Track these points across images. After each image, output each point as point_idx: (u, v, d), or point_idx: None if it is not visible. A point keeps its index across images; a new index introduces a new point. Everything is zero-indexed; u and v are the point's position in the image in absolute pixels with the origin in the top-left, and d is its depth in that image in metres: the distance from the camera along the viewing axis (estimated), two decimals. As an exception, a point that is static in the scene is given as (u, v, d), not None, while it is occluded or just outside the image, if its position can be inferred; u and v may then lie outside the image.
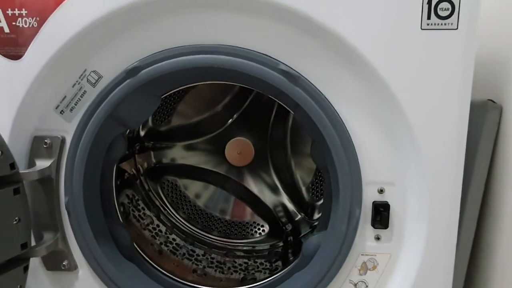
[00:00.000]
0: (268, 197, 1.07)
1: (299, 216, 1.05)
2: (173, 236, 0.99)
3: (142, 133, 1.02)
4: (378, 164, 0.64)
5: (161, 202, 1.05)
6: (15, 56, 0.63)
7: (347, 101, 0.63)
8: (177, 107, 1.01)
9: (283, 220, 1.07)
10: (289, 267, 0.79)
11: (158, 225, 0.98)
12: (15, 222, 0.61)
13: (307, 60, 0.62)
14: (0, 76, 0.64)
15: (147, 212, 0.98)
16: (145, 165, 1.05)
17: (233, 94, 1.02)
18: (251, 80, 0.65)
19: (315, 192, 1.04)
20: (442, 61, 0.59)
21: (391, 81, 0.59)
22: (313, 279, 0.68)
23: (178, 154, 1.05)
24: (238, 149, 1.04)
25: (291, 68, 0.63)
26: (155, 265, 0.82)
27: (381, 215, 0.65)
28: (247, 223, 1.07)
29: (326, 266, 0.67)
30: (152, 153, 1.06)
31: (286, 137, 1.03)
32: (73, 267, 0.71)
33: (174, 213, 1.05)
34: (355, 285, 0.68)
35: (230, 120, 1.03)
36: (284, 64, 0.62)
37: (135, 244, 0.81)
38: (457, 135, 0.61)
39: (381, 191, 0.65)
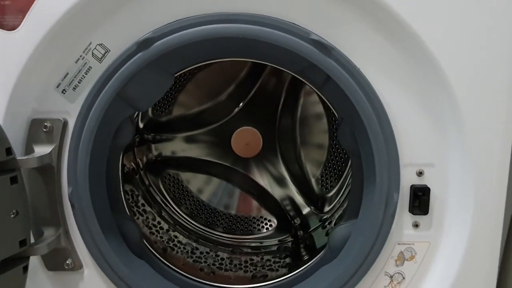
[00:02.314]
0: (275, 190, 1.02)
1: (308, 210, 1.01)
2: (176, 233, 0.93)
3: (141, 124, 0.96)
4: (417, 143, 0.59)
5: (163, 198, 1.00)
6: (10, 26, 0.56)
7: (383, 75, 0.58)
8: (178, 96, 0.96)
9: (291, 214, 1.02)
10: (313, 261, 0.74)
11: (159, 222, 0.93)
12: (12, 216, 0.54)
13: (340, 29, 0.57)
14: (-7, 50, 0.56)
15: (148, 209, 0.93)
16: (145, 158, 0.99)
17: (237, 83, 0.97)
18: (275, 54, 0.59)
19: (324, 184, 1.00)
20: (492, 30, 0.54)
21: (436, 52, 0.55)
22: (344, 272, 0.63)
23: (180, 146, 1.00)
24: (245, 139, 0.98)
25: (323, 38, 0.57)
26: (165, 262, 0.76)
27: (420, 200, 0.60)
28: (253, 217, 1.03)
29: (360, 257, 0.62)
30: (152, 145, 1.00)
31: (295, 127, 0.98)
32: (77, 266, 0.64)
33: (177, 209, 1.00)
34: (391, 277, 0.63)
35: (236, 109, 0.98)
36: (315, 33, 0.57)
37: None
38: (505, 111, 0.56)
39: (420, 173, 0.60)
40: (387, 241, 0.61)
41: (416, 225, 0.62)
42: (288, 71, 0.66)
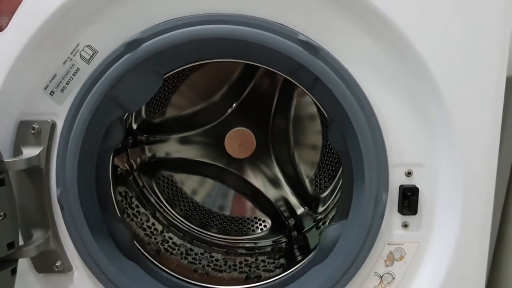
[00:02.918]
0: (269, 191, 1.02)
1: (302, 210, 1.01)
2: (170, 234, 0.93)
3: (134, 125, 0.96)
4: (406, 143, 0.59)
5: (156, 199, 1.00)
6: (-3, 27, 0.56)
7: (372, 75, 0.58)
8: (172, 98, 0.95)
9: (286, 214, 1.02)
10: (304, 261, 0.74)
11: (153, 224, 0.92)
12: (0, 218, 0.54)
13: (328, 30, 0.57)
14: (-21, 51, 0.56)
15: (142, 210, 0.92)
16: (138, 160, 0.99)
17: (230, 84, 0.97)
18: (264, 55, 0.59)
19: (318, 185, 1.00)
20: (479, 30, 0.54)
21: (424, 52, 0.55)
22: (335, 272, 0.63)
23: (174, 147, 1.00)
24: (238, 140, 0.98)
25: (311, 39, 0.57)
26: (157, 264, 0.75)
27: (409, 200, 0.60)
28: (247, 218, 1.03)
29: (350, 258, 0.62)
30: (146, 147, 1.00)
31: (288, 128, 0.98)
32: (67, 269, 0.64)
33: (171, 210, 1.00)
34: (381, 277, 0.63)
35: (230, 110, 0.98)
36: (303, 34, 0.57)
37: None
38: (492, 111, 0.57)
39: (408, 173, 0.60)
40: (376, 242, 0.61)
41: (405, 225, 0.62)
42: (279, 72, 0.66)
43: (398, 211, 0.61)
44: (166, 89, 0.94)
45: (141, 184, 0.98)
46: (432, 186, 0.60)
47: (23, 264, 0.63)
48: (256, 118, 0.97)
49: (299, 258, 0.86)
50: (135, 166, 0.98)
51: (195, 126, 0.98)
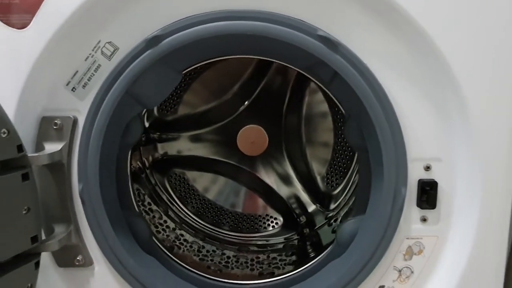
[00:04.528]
0: (281, 188, 1.02)
1: (314, 207, 1.01)
2: (182, 232, 0.93)
3: (147, 123, 0.97)
4: (424, 138, 0.60)
5: (169, 197, 1.00)
6: (20, 25, 0.57)
7: (390, 70, 0.58)
8: (184, 96, 0.96)
9: (297, 212, 1.02)
10: (321, 256, 0.74)
11: (166, 221, 0.93)
12: (24, 212, 0.55)
13: (346, 26, 0.58)
14: (3, 48, 0.57)
15: (154, 208, 0.93)
16: (150, 158, 0.99)
17: (242, 82, 0.97)
18: (283, 51, 0.60)
19: (330, 182, 1.00)
20: (498, 25, 0.54)
21: (442, 47, 0.55)
22: (353, 267, 0.63)
23: (186, 145, 1.00)
24: (251, 138, 0.98)
25: (330, 34, 0.57)
26: (174, 258, 0.76)
27: (427, 194, 0.60)
28: (259, 216, 1.03)
29: (368, 252, 0.62)
30: (158, 145, 1.00)
31: (300, 125, 0.98)
32: (88, 263, 0.64)
33: (183, 207, 1.01)
34: (400, 271, 0.63)
35: (242, 108, 0.98)
36: (322, 30, 0.57)
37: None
38: (511, 105, 0.56)
39: (427, 168, 0.60)
40: (395, 236, 0.61)
41: (424, 220, 0.62)
42: (296, 68, 0.67)
43: (417, 205, 0.61)
44: (179, 87, 0.95)
45: (153, 181, 0.99)
46: (450, 180, 0.60)
47: (45, 259, 0.63)
48: (268, 116, 0.97)
49: (312, 255, 0.86)
50: (147, 164, 0.99)
51: (207, 124, 0.98)
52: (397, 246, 0.62)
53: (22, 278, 0.55)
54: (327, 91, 0.70)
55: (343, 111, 0.70)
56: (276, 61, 0.66)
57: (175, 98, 0.96)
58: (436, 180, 0.60)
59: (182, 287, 0.69)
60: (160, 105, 0.95)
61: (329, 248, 0.73)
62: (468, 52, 0.56)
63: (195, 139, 1.00)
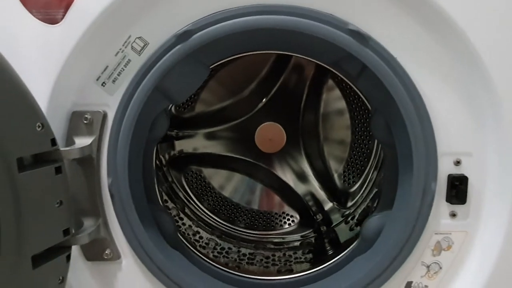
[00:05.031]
0: (297, 186, 1.02)
1: (330, 205, 1.01)
2: (199, 229, 0.94)
3: (165, 121, 0.97)
4: (454, 132, 0.59)
5: (185, 194, 1.01)
6: (52, 20, 0.57)
7: (420, 63, 0.58)
8: (201, 93, 0.96)
9: (314, 209, 1.02)
10: (344, 252, 0.74)
11: (182, 219, 0.93)
12: (57, 205, 0.55)
13: (377, 19, 0.57)
14: (36, 43, 0.58)
15: (171, 205, 0.93)
16: (167, 155, 1.00)
17: (259, 79, 0.97)
18: (311, 45, 0.59)
19: (347, 179, 1.00)
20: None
21: (474, 39, 0.54)
22: (380, 262, 0.63)
23: (202, 142, 1.01)
24: (269, 135, 0.98)
25: (360, 28, 0.57)
26: (198, 253, 0.76)
27: (457, 189, 0.60)
28: (275, 213, 1.03)
29: (397, 247, 0.62)
30: (175, 142, 1.00)
31: (318, 123, 0.98)
32: (115, 257, 0.65)
33: (199, 204, 1.01)
34: (428, 267, 0.63)
35: (260, 105, 0.98)
36: (352, 24, 0.57)
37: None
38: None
39: (457, 162, 0.60)
40: (424, 231, 0.61)
41: (453, 215, 0.61)
42: (321, 63, 0.66)
43: (446, 201, 0.61)
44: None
45: (170, 179, 0.99)
46: (481, 175, 0.60)
47: (73, 253, 0.63)
48: (285, 114, 0.97)
49: (330, 252, 0.86)
50: (164, 161, 0.99)
51: (224, 121, 0.99)
52: (425, 241, 0.62)
53: (54, 271, 0.56)
54: (352, 85, 0.69)
55: (369, 105, 0.70)
56: (303, 56, 0.66)
57: (193, 96, 0.96)
58: (466, 175, 0.60)
59: (208, 281, 0.69)
60: (178, 102, 0.96)
61: (353, 244, 0.73)
62: (501, 46, 0.55)
63: (211, 136, 1.00)
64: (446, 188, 0.60)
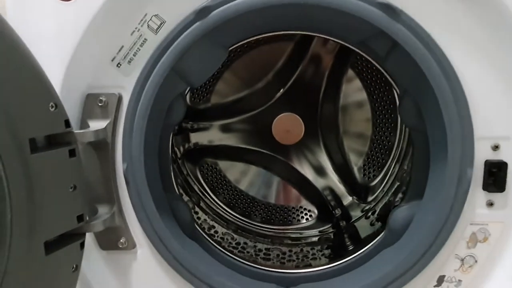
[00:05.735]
0: (315, 179, 0.99)
1: (350, 200, 0.97)
2: (214, 223, 0.91)
3: (179, 112, 0.95)
4: (493, 115, 0.55)
5: (200, 187, 0.99)
6: (67, -3, 0.55)
7: (456, 40, 0.54)
8: (216, 84, 0.94)
9: (332, 203, 0.98)
10: (371, 244, 0.70)
11: (197, 212, 0.91)
12: (70, 190, 0.53)
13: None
14: (50, 21, 0.55)
15: (186, 198, 0.91)
16: (181, 148, 0.97)
17: (276, 70, 0.94)
18: (336, 23, 0.56)
19: (367, 173, 0.96)
20: None
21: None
22: (411, 255, 0.59)
23: (217, 134, 0.98)
24: (286, 126, 0.95)
25: (390, 2, 0.53)
26: (215, 244, 0.73)
27: (495, 176, 0.56)
28: (292, 208, 1.00)
29: (428, 239, 0.58)
30: (190, 134, 0.98)
31: (337, 115, 0.94)
32: (130, 246, 0.62)
33: (215, 198, 0.98)
34: (462, 260, 0.59)
35: (277, 95, 0.95)
36: (382, -3, 0.53)
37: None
38: None
39: (495, 147, 0.56)
40: (458, 222, 0.57)
41: (490, 204, 0.57)
42: (347, 44, 0.63)
43: (483, 189, 0.57)
44: (211, 75, 0.93)
45: (185, 172, 0.97)
46: (521, 161, 0.56)
47: (87, 241, 0.61)
48: (303, 105, 0.94)
49: (350, 248, 0.82)
50: (179, 154, 0.97)
51: (240, 112, 0.96)
52: (460, 232, 0.58)
53: (68, 258, 0.54)
54: (378, 67, 0.66)
55: (397, 89, 0.66)
56: (326, 36, 0.63)
57: (208, 87, 0.94)
58: (505, 160, 0.56)
59: (226, 272, 0.66)
60: (193, 93, 0.93)
61: (379, 237, 0.69)
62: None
63: (227, 128, 0.98)
64: (483, 175, 0.56)
